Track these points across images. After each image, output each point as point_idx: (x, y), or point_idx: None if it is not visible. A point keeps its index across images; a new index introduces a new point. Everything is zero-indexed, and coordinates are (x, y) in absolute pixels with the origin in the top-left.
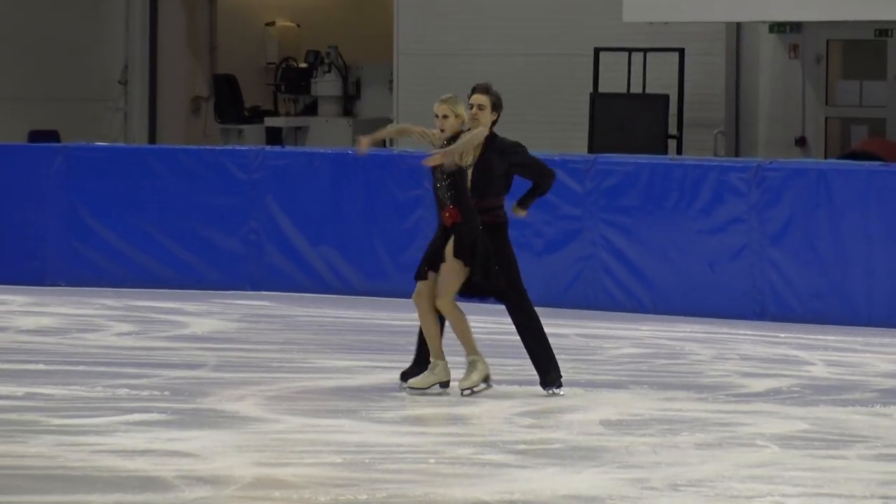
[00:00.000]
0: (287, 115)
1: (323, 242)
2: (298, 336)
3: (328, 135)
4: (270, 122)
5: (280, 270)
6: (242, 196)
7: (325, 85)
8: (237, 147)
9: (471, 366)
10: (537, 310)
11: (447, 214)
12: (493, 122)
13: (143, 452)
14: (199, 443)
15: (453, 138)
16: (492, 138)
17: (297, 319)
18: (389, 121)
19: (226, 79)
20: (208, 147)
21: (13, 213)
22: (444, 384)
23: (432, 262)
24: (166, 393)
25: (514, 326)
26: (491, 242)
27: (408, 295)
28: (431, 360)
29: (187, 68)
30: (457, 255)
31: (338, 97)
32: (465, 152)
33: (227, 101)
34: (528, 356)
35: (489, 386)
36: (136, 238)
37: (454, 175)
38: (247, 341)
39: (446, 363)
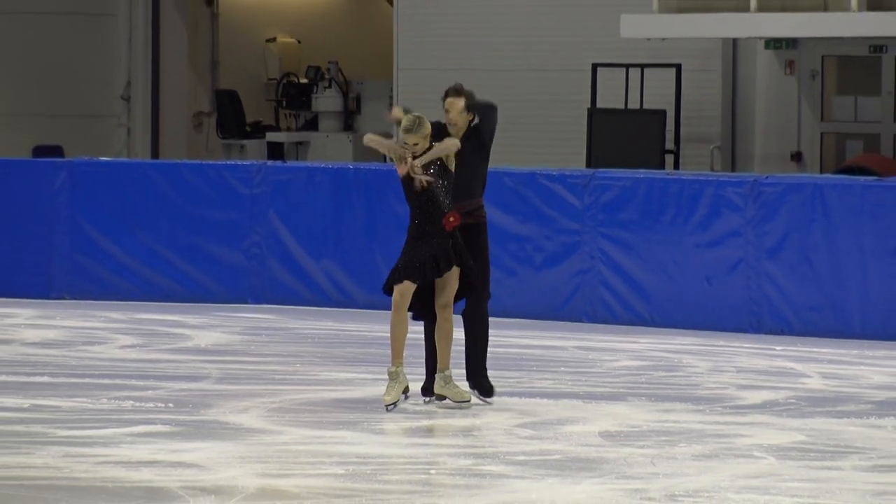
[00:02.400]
0: (288, 130)
1: (324, 256)
2: (300, 348)
3: (329, 150)
4: (272, 137)
5: (282, 284)
6: (244, 210)
7: (326, 100)
8: (239, 162)
9: (445, 379)
10: (537, 322)
11: (452, 219)
12: (471, 121)
13: (148, 463)
14: (202, 454)
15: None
16: (469, 133)
17: (298, 332)
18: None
19: (228, 94)
20: (210, 162)
21: (19, 227)
22: (407, 389)
23: (427, 270)
24: (170, 405)
25: (465, 324)
26: (476, 242)
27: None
28: (397, 367)
29: (189, 84)
30: (461, 260)
31: (338, 112)
32: (449, 157)
33: (229, 116)
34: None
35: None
36: (139, 252)
37: (448, 180)
38: (249, 354)
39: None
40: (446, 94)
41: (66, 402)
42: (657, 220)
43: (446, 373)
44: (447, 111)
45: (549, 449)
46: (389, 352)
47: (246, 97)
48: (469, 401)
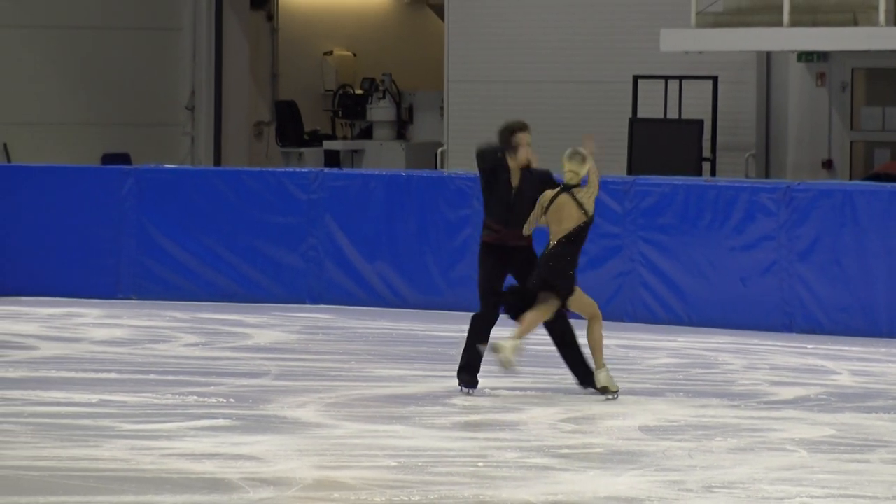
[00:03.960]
0: (344, 138)
1: (378, 259)
2: (355, 347)
3: (383, 157)
4: (329, 145)
5: (338, 285)
6: (302, 215)
7: (380, 110)
8: (297, 169)
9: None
10: (581, 321)
11: None
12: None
13: (211, 456)
14: (262, 447)
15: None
16: (529, 170)
17: (354, 331)
18: (440, 144)
19: (287, 105)
20: (270, 169)
21: (88, 231)
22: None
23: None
24: (231, 400)
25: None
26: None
27: (458, 308)
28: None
29: (250, 95)
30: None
31: (392, 122)
32: None
33: (288, 125)
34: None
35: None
36: (202, 254)
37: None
38: (307, 351)
39: None
40: (515, 130)
41: (132, 397)
42: (695, 225)
43: (602, 370)
44: (519, 146)
45: (591, 442)
46: (438, 350)
47: (304, 107)
48: (613, 391)
